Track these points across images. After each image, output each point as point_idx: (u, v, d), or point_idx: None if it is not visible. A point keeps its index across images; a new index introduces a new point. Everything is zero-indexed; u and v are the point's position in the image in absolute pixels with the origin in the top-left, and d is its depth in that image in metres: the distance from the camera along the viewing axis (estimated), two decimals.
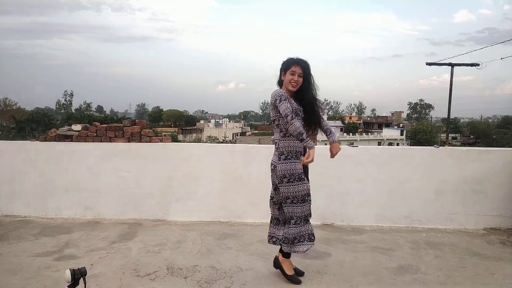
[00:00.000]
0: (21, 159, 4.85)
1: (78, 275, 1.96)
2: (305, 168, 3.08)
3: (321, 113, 3.07)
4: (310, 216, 3.07)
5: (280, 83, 3.07)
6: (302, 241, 3.03)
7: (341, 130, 65.25)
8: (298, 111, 2.94)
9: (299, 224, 3.02)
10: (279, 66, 3.07)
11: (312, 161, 2.85)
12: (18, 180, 4.84)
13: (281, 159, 2.97)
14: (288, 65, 2.97)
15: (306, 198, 3.00)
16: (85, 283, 1.99)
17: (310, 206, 3.05)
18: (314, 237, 3.09)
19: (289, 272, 3.10)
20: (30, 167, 4.82)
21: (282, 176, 2.97)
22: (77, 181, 4.79)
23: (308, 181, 3.08)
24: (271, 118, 3.06)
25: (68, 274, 1.93)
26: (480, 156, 4.60)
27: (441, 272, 3.33)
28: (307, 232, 3.04)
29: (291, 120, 2.81)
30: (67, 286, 1.95)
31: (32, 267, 3.32)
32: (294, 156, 2.95)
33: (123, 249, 3.77)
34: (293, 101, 2.96)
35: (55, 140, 4.88)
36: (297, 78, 2.93)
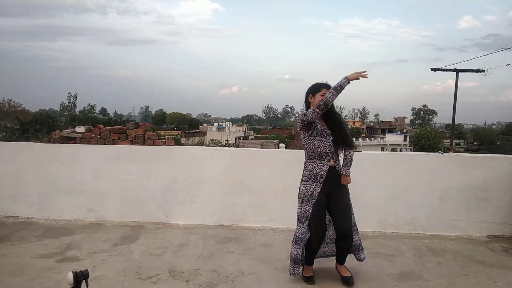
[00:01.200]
0: (24, 161, 4.87)
1: (80, 277, 1.97)
2: (332, 183, 3.12)
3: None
4: (301, 240, 3.10)
5: (308, 105, 3.20)
6: (292, 263, 3.16)
7: None
8: (325, 133, 3.07)
9: (294, 243, 3.15)
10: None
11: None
12: (21, 182, 4.86)
13: (302, 180, 3.16)
14: (318, 88, 3.15)
15: (303, 221, 3.08)
16: (87, 286, 1.99)
17: (302, 231, 3.09)
18: (298, 261, 3.13)
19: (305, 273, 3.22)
20: (33, 169, 4.84)
21: (298, 196, 3.18)
22: (80, 183, 4.80)
23: (337, 197, 3.14)
24: (302, 143, 3.22)
25: (70, 276, 1.93)
26: (484, 163, 4.58)
27: (444, 279, 3.31)
28: (293, 255, 3.13)
29: (318, 107, 2.93)
30: None
31: (35, 268, 3.33)
32: (312, 179, 3.09)
33: (125, 251, 3.78)
34: (319, 123, 3.10)
35: (58, 142, 4.90)
36: None
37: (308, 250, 3.14)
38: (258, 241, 4.14)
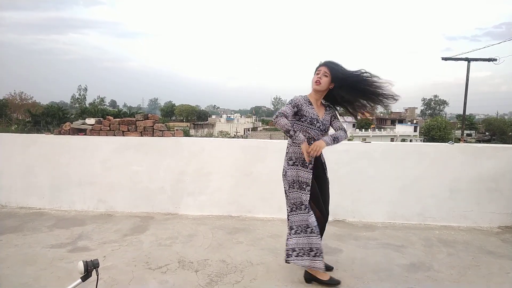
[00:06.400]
0: (36, 152, 4.92)
1: (91, 266, 1.98)
2: (318, 168, 3.02)
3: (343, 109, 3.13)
4: (310, 228, 2.89)
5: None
6: (302, 255, 2.92)
7: (354, 126, 64.63)
8: (315, 120, 2.93)
9: (298, 234, 2.94)
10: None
11: (311, 154, 2.82)
12: (33, 173, 4.92)
13: (290, 165, 2.98)
14: (316, 68, 3.03)
15: (301, 207, 2.92)
16: (97, 275, 2.00)
17: (306, 217, 2.89)
18: (318, 254, 2.88)
19: (325, 277, 2.98)
20: (44, 160, 4.90)
21: (292, 182, 2.96)
22: (91, 175, 4.85)
23: (324, 182, 3.06)
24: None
25: (81, 265, 1.95)
26: (496, 153, 4.51)
27: (454, 270, 3.28)
28: (306, 246, 2.91)
29: (275, 119, 2.80)
30: (80, 278, 1.97)
31: (46, 258, 3.38)
32: (301, 164, 2.94)
33: (135, 242, 3.81)
34: (311, 108, 2.94)
35: (69, 134, 4.94)
36: (321, 76, 2.94)
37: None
38: (266, 232, 4.15)
